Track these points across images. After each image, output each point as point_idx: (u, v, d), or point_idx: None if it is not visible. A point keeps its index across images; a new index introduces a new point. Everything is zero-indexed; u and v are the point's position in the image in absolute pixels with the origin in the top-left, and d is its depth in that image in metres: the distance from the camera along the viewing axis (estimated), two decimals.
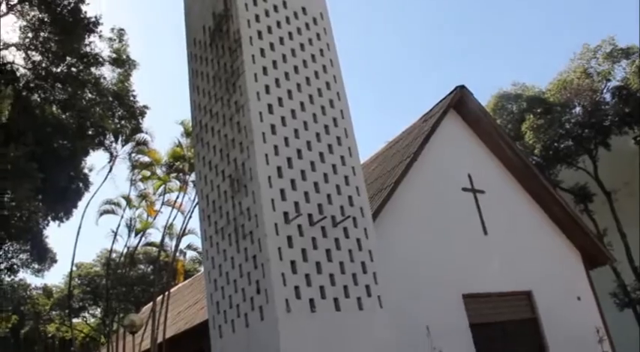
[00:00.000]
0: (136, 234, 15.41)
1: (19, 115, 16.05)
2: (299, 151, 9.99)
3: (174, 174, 15.23)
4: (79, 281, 42.59)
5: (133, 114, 19.66)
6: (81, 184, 23.38)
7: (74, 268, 45.95)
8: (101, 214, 16.83)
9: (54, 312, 44.15)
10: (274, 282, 8.66)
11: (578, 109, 25.00)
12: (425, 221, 14.38)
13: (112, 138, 19.88)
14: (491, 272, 15.01)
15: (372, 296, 9.59)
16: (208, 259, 10.69)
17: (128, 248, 15.89)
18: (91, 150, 20.34)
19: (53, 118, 18.01)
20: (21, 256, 28.73)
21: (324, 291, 9.07)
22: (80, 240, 44.12)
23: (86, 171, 23.87)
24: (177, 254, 15.77)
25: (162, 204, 15.46)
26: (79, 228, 22.96)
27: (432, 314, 13.06)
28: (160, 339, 14.10)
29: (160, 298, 18.08)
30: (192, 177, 15.22)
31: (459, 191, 15.66)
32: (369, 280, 9.66)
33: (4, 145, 15.01)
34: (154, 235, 18.68)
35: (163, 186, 15.51)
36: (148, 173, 15.71)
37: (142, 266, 41.36)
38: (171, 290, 27.67)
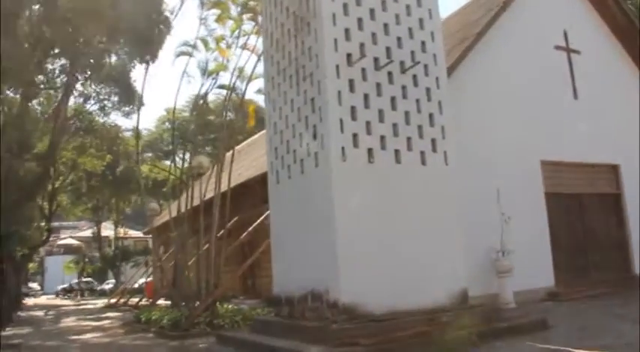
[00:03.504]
0: (208, 76, 14.94)
1: None
2: None
3: (248, 15, 14.38)
4: (169, 126, 44.02)
5: None
6: (162, 26, 23.06)
7: (164, 112, 47.36)
8: (177, 56, 16.31)
9: (146, 154, 46.32)
10: (331, 128, 8.07)
11: None
12: (508, 79, 13.15)
13: None
14: (578, 141, 13.83)
15: (438, 151, 8.88)
16: (270, 101, 10.20)
17: (206, 92, 15.49)
18: None
19: None
20: (112, 98, 29.66)
21: (385, 142, 8.41)
22: (169, 84, 45.01)
23: (167, 14, 23.43)
24: (247, 97, 15.31)
25: (237, 46, 14.74)
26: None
27: (505, 178, 12.29)
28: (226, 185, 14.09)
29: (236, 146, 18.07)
30: None
31: (551, 49, 14.15)
32: (435, 134, 8.90)
33: None
34: (227, 78, 18.30)
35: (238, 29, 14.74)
36: (219, 12, 14.88)
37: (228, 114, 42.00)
38: (250, 139, 28.08)
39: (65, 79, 26.04)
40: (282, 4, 9.88)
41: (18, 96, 21.35)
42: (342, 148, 8.07)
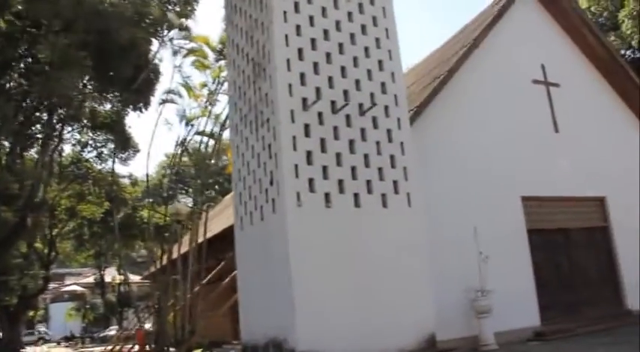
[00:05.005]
0: (187, 124, 15.07)
1: (68, 3, 15.66)
2: (326, 32, 8.97)
3: (225, 61, 14.53)
4: (168, 171, 44.13)
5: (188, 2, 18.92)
6: (152, 75, 23.47)
7: (165, 158, 47.68)
8: (160, 103, 16.53)
9: (147, 200, 46.39)
10: (285, 173, 7.99)
11: None
12: (486, 115, 12.99)
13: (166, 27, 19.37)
14: (560, 174, 13.62)
15: (400, 193, 8.75)
16: (234, 148, 10.16)
17: (184, 139, 15.59)
18: (153, 39, 20.00)
19: (109, 6, 17.56)
20: (108, 145, 29.98)
21: (343, 185, 8.31)
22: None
23: (156, 61, 23.86)
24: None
25: (217, 92, 14.86)
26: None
27: (484, 217, 12.04)
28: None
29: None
30: None
31: (528, 83, 14.04)
32: (397, 175, 8.79)
33: (55, 35, 14.78)
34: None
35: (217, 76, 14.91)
36: (201, 59, 15.07)
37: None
38: None
39: (60, 128, 26.45)
40: (243, 51, 9.92)
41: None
42: (298, 193, 7.96)
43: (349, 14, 9.25)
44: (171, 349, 12.43)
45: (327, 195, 8.14)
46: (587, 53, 15.34)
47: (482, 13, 14.88)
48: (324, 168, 8.24)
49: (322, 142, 8.35)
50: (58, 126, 24.99)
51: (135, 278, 50.44)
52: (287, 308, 7.70)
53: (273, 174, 8.32)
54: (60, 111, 22.99)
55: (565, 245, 13.56)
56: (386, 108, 9.01)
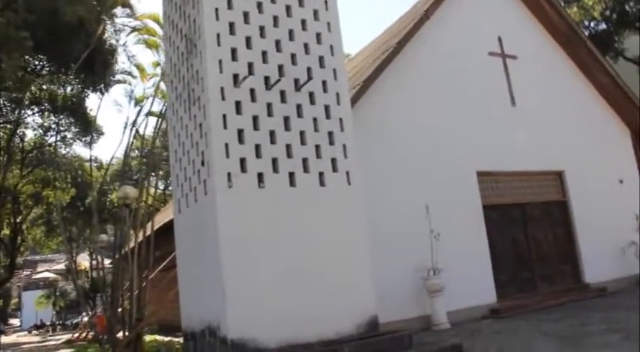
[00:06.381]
0: (136, 104, 14.59)
1: None
2: (259, 5, 8.51)
3: None
4: (138, 153, 43.48)
5: None
6: (109, 56, 22.94)
7: (133, 139, 47.05)
8: (112, 85, 16.03)
9: (116, 184, 45.74)
10: (215, 153, 7.59)
11: None
12: (439, 89, 12.72)
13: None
14: (518, 149, 13.46)
15: (339, 171, 8.38)
16: (171, 128, 9.76)
17: (134, 120, 15.12)
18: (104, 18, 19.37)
19: None
20: (72, 129, 29.27)
21: (277, 164, 7.94)
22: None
23: (113, 41, 23.28)
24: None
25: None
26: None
27: (439, 193, 11.85)
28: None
29: None
30: None
31: (484, 55, 13.78)
32: (335, 153, 8.42)
33: None
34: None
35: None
36: (150, 38, 14.57)
37: None
38: None
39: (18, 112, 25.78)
40: (177, 26, 9.47)
41: None
42: (229, 174, 7.58)
43: None
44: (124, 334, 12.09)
45: (260, 175, 7.77)
46: (545, 25, 15.10)
47: None
48: (257, 147, 7.86)
49: (255, 120, 7.95)
50: (14, 110, 24.30)
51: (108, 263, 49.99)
52: (218, 294, 7.37)
53: (205, 153, 7.93)
54: (13, 94, 22.29)
55: (522, 220, 13.45)
56: (324, 83, 8.62)
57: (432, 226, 11.14)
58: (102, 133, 28.84)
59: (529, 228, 13.44)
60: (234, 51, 8.13)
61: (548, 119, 14.13)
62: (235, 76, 8.00)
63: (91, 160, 22.90)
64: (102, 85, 23.69)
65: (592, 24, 22.12)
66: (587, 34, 20.16)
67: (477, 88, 13.24)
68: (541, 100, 14.21)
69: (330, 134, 8.47)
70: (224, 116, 7.77)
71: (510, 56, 14.12)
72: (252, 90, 8.06)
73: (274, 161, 7.94)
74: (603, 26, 22.01)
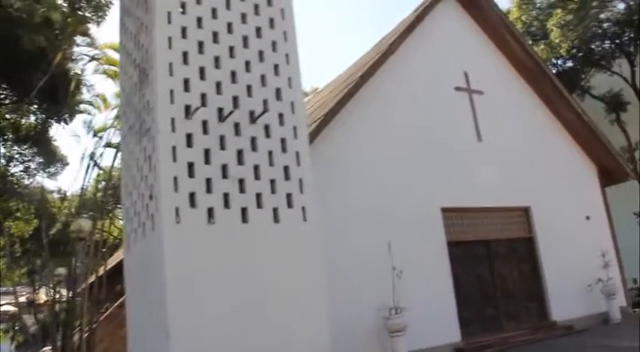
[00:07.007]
0: (94, 135, 14.17)
1: None
2: (215, 34, 8.29)
3: None
4: (104, 185, 42.70)
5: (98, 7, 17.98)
6: (71, 85, 22.54)
7: (100, 171, 46.33)
8: (76, 114, 15.61)
9: (83, 215, 44.79)
10: (163, 187, 7.25)
11: (621, 5, 21.79)
12: (404, 123, 12.60)
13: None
14: (483, 184, 13.31)
15: (295, 207, 8.08)
16: (123, 160, 9.41)
17: (92, 152, 14.63)
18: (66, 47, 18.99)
19: (13, 11, 16.52)
20: (36, 159, 28.58)
21: (229, 199, 7.61)
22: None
23: (78, 71, 22.89)
24: None
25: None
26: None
27: (402, 230, 11.59)
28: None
29: None
30: None
31: (450, 90, 13.71)
32: (291, 188, 8.13)
33: None
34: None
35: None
36: (110, 67, 14.24)
37: None
38: None
39: None
40: (131, 56, 9.19)
41: None
42: (177, 209, 7.23)
43: (243, 16, 8.62)
44: None
45: (210, 210, 7.43)
46: (512, 61, 15.15)
47: (403, 21, 14.51)
48: (208, 181, 7.54)
49: (206, 153, 7.65)
50: None
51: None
52: (163, 336, 6.96)
53: (153, 187, 7.59)
54: None
55: (487, 257, 13.25)
56: (280, 115, 8.37)
57: (395, 263, 10.84)
58: (67, 163, 28.11)
59: (495, 265, 13.24)
60: (186, 81, 7.85)
61: (514, 154, 14.07)
62: (187, 107, 7.71)
63: (54, 191, 21.99)
64: (66, 115, 23.26)
65: (559, 61, 22.40)
66: (554, 71, 20.38)
67: (442, 122, 13.14)
68: (507, 136, 14.16)
69: (286, 168, 8.19)
70: (174, 148, 7.46)
71: (476, 91, 14.10)
72: (204, 122, 7.77)
73: (226, 196, 7.61)
74: (570, 64, 22.28)
